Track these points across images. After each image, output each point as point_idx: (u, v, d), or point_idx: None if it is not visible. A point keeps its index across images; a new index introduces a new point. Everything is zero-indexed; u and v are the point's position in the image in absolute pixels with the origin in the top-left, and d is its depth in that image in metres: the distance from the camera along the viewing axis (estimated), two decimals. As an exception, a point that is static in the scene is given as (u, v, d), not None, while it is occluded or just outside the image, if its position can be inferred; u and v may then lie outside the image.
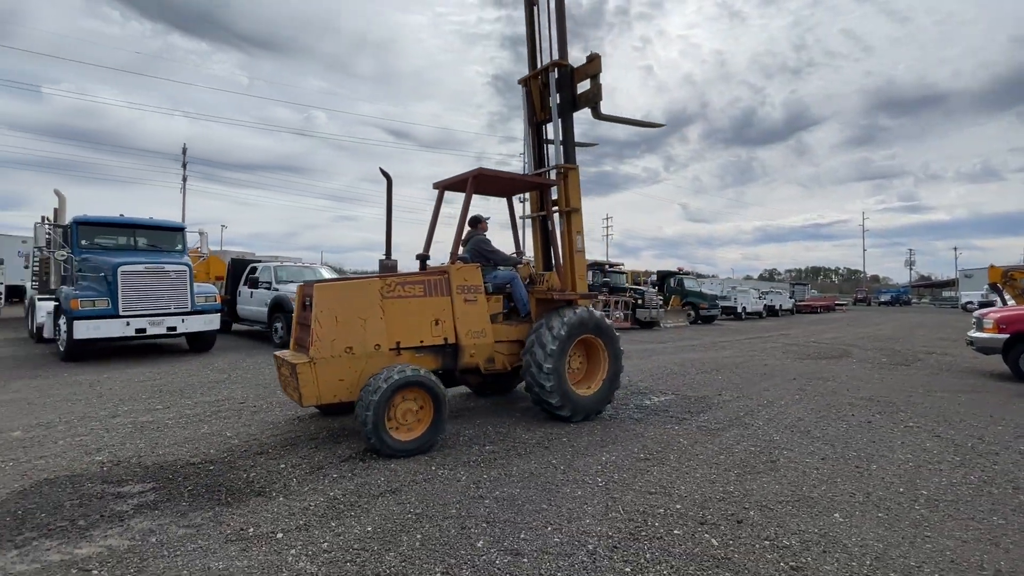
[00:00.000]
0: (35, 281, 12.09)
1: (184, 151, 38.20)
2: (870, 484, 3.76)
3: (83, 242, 9.41)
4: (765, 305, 33.14)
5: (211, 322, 9.56)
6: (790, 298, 39.98)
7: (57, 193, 11.16)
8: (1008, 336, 8.30)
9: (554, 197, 5.96)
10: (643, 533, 2.93)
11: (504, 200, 6.44)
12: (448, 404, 4.41)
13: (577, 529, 2.97)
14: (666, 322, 21.45)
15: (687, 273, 27.26)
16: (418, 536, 2.86)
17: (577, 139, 5.98)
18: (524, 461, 4.12)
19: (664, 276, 26.58)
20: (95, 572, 2.45)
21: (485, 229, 5.80)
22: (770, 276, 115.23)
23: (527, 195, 6.81)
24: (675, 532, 2.95)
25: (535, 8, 5.97)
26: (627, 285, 22.37)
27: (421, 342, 4.70)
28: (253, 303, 12.37)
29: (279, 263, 13.45)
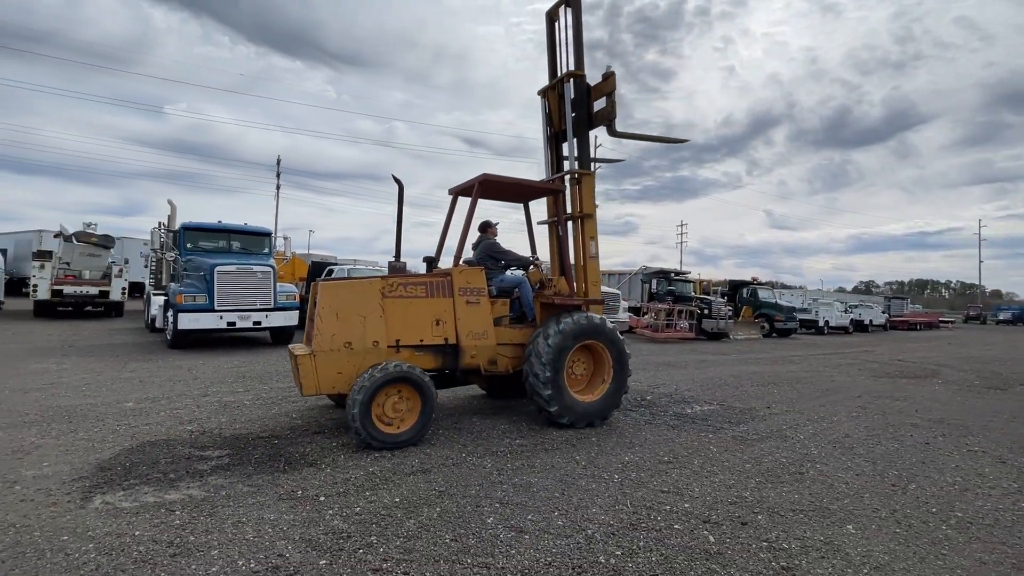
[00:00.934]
0: (151, 278, 13.93)
1: (278, 162, 41.77)
2: (900, 502, 3.66)
3: (188, 245, 10.80)
4: (852, 320, 30.79)
5: (290, 318, 10.60)
6: (883, 313, 36.80)
7: (170, 202, 12.82)
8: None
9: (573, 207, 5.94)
10: (643, 524, 3.11)
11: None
12: (436, 400, 4.55)
13: (581, 516, 3.20)
14: (736, 334, 20.61)
15: (762, 283, 25.94)
16: (437, 509, 3.22)
17: (605, 155, 6.17)
18: (548, 455, 4.37)
19: (736, 286, 25.47)
20: (178, 512, 3.03)
21: (495, 234, 5.87)
22: (867, 289, 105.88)
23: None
24: (675, 527, 3.10)
25: (556, 23, 6.09)
26: (694, 294, 21.73)
27: (421, 341, 4.82)
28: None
29: (353, 265, 14.52)
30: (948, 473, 4.35)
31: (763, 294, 24.42)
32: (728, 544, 2.90)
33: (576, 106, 5.84)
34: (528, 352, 5.11)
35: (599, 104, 5.83)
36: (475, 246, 5.86)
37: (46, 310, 15.36)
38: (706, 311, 19.32)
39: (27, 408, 5.26)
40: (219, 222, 11.49)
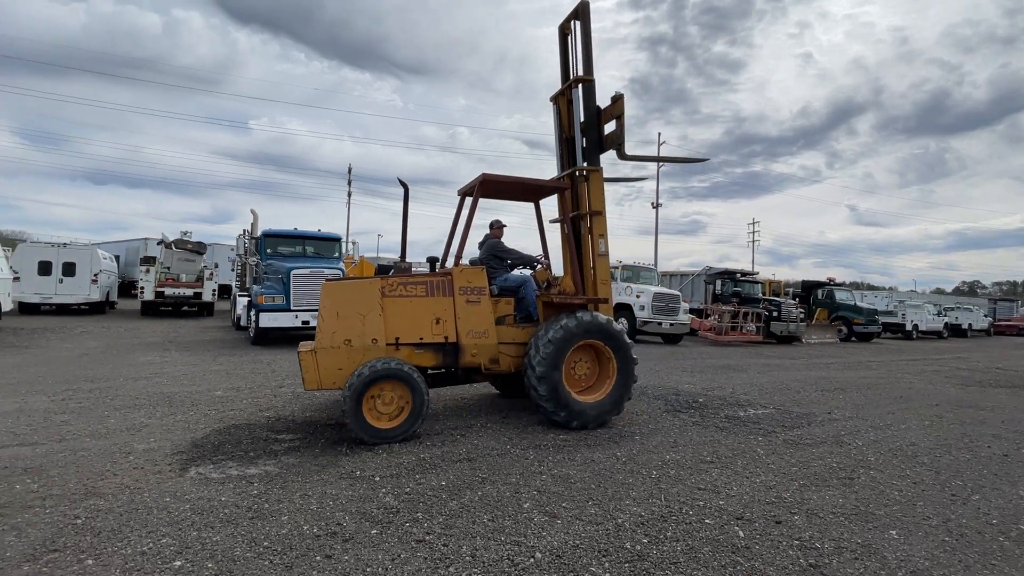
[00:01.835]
0: (237, 281, 15.30)
1: (349, 170, 44.15)
2: (956, 512, 3.50)
3: (268, 250, 11.82)
4: (947, 323, 28.19)
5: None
6: (986, 316, 33.37)
7: (252, 211, 14.07)
8: None
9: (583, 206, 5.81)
10: (673, 517, 3.21)
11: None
12: (428, 397, 4.61)
13: (614, 507, 3.34)
14: (809, 337, 19.52)
15: (839, 283, 24.35)
16: (479, 493, 3.48)
17: (626, 174, 6.16)
18: (590, 451, 4.53)
19: (810, 286, 24.07)
20: (256, 484, 3.49)
21: (501, 234, 5.89)
22: (970, 290, 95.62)
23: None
24: (706, 521, 3.17)
25: (568, 37, 6.09)
26: (762, 296, 20.80)
27: (420, 339, 4.90)
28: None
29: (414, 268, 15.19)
30: (1023, 487, 4.07)
31: (840, 295, 22.93)
32: (757, 540, 2.95)
33: (586, 108, 5.84)
34: (528, 349, 5.13)
35: (609, 127, 5.80)
36: (481, 245, 5.92)
37: (151, 309, 17.24)
38: (775, 313, 18.47)
39: (137, 393, 6.09)
40: (295, 229, 12.47)
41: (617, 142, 5.67)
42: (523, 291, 5.64)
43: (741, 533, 3.03)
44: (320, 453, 4.19)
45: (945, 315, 29.06)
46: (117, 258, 21.77)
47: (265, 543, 2.71)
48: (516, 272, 5.84)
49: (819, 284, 23.72)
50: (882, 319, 23.54)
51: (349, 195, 43.26)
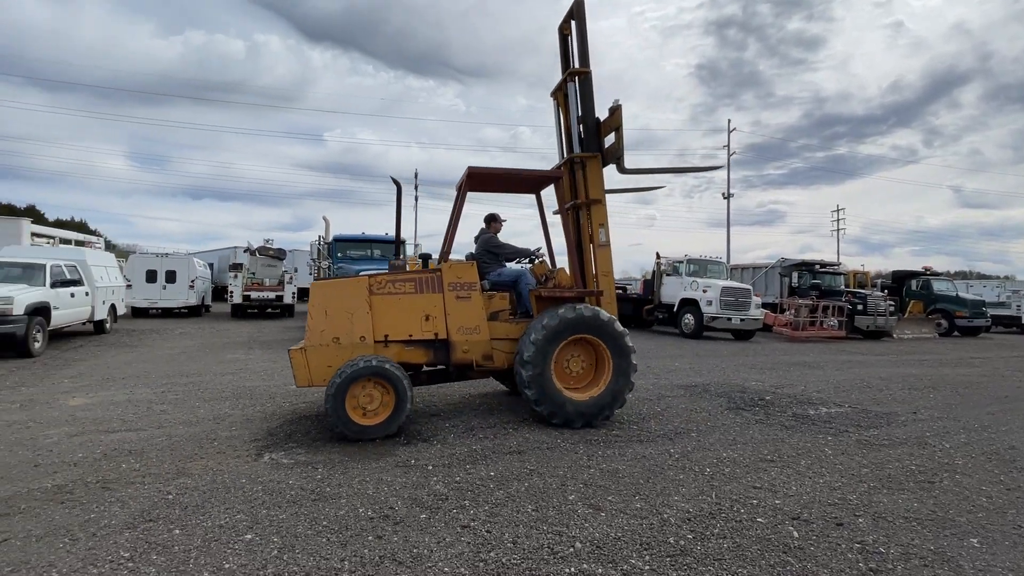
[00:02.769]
0: (314, 284, 16.32)
1: (416, 175, 45.69)
2: (1056, 521, 3.14)
3: (339, 254, 12.55)
4: (1075, 316, 24.75)
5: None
6: None
7: (324, 219, 14.96)
8: None
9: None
10: (723, 514, 3.12)
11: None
12: (412, 395, 4.58)
13: (661, 502, 3.30)
14: (901, 332, 17.93)
15: (936, 273, 22.12)
16: (525, 484, 3.55)
17: (642, 184, 5.93)
18: (642, 447, 4.47)
19: (902, 277, 22.05)
20: (320, 469, 3.77)
21: (498, 229, 5.74)
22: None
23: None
24: (758, 520, 3.06)
25: (568, 37, 5.92)
26: (845, 288, 19.32)
27: (410, 336, 4.88)
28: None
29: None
30: None
31: (939, 286, 20.83)
32: (813, 541, 2.81)
33: (582, 99, 5.65)
34: (518, 347, 5.01)
35: (609, 140, 5.58)
36: (476, 239, 5.84)
37: (239, 312, 18.80)
38: (860, 307, 17.11)
39: (223, 387, 6.70)
40: (362, 233, 13.15)
41: (616, 155, 5.46)
42: (519, 286, 5.50)
43: (795, 533, 2.90)
44: (379, 443, 4.43)
45: (1072, 306, 25.56)
46: (211, 266, 23.93)
47: (324, 522, 2.94)
48: (511, 267, 5.69)
49: (913, 274, 21.66)
50: (992, 311, 21.13)
51: (416, 199, 44.78)
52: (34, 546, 2.61)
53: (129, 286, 16.36)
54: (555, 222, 6.06)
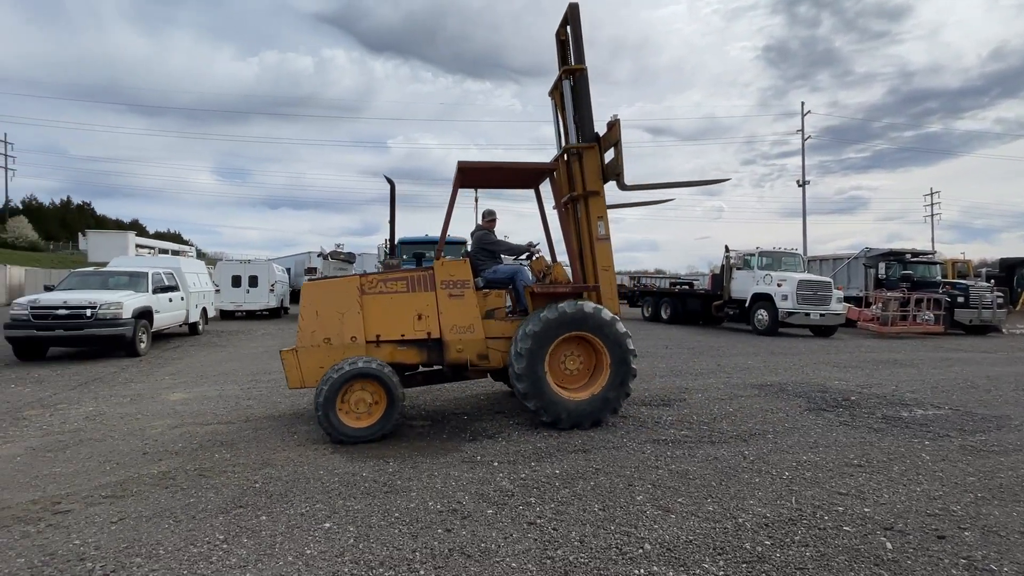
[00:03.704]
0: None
1: (476, 177, 46.55)
2: None
3: (404, 256, 12.96)
4: None
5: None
6: None
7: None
8: None
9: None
10: (804, 521, 2.93)
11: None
12: (401, 398, 4.45)
13: (735, 506, 3.15)
14: (1012, 326, 16.14)
15: (1054, 260, 19.66)
16: (591, 483, 3.51)
17: (653, 198, 5.58)
18: (713, 448, 4.29)
19: (1012, 265, 19.84)
20: (391, 462, 3.91)
21: (492, 226, 5.59)
22: None
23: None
24: (844, 528, 2.85)
25: (566, 43, 5.67)
26: (941, 279, 17.59)
27: (402, 336, 4.78)
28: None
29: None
30: None
31: (1057, 274, 18.51)
32: (909, 554, 2.58)
33: (575, 95, 5.44)
34: (513, 338, 4.82)
35: (609, 155, 5.35)
36: (472, 235, 5.73)
37: (315, 313, 19.93)
38: (961, 299, 15.53)
39: (302, 383, 7.12)
40: (425, 235, 13.52)
41: (616, 171, 5.22)
42: (515, 283, 5.33)
43: (889, 545, 2.67)
44: (447, 439, 4.54)
45: None
46: (288, 270, 25.49)
47: (396, 514, 3.05)
48: (506, 263, 5.51)
49: (1024, 261, 19.42)
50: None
51: (476, 200, 45.54)
52: (144, 526, 2.90)
53: (217, 291, 17.76)
54: (556, 216, 5.87)
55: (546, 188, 5.93)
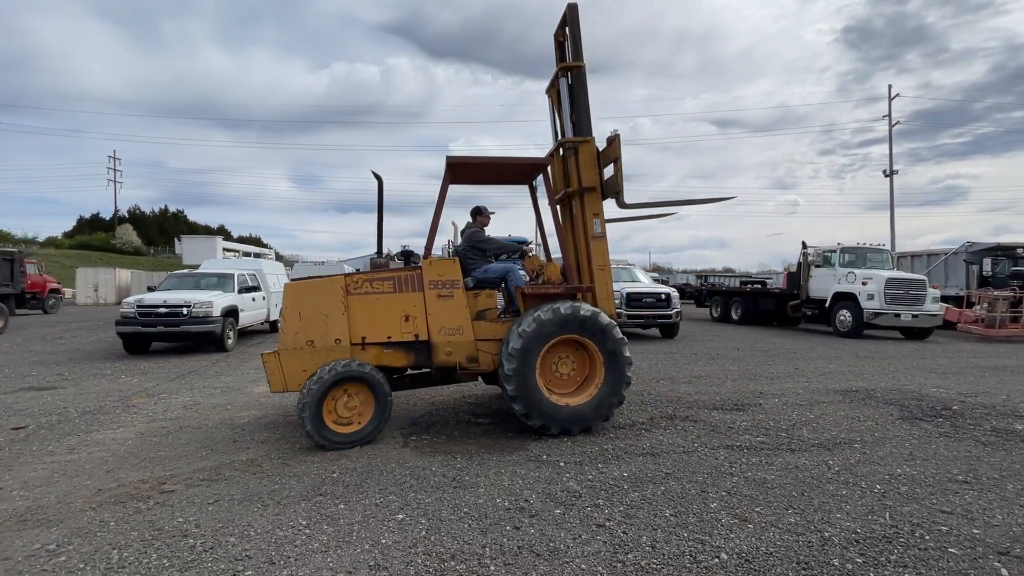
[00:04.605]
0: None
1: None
2: None
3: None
4: None
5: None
6: None
7: (452, 224, 15.87)
8: None
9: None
10: (901, 540, 2.69)
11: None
12: (391, 398, 4.40)
13: (820, 519, 2.95)
14: None
15: None
16: (662, 488, 3.41)
17: (658, 211, 5.42)
18: (793, 456, 4.04)
19: None
20: (459, 458, 3.99)
21: (484, 223, 5.34)
22: None
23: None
24: (950, 551, 2.59)
25: (564, 44, 5.38)
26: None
27: (388, 338, 4.60)
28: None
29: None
30: None
31: None
32: (1030, 583, 2.31)
33: (570, 91, 5.20)
34: (505, 338, 4.61)
35: (608, 172, 5.10)
36: (461, 233, 5.48)
37: (383, 312, 20.73)
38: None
39: (373, 379, 7.42)
40: (509, 236, 13.71)
41: (615, 189, 4.99)
42: (507, 282, 5.13)
43: (1004, 572, 2.40)
44: (512, 437, 4.58)
45: None
46: (358, 270, 26.73)
47: (465, 509, 3.10)
48: (497, 262, 5.32)
49: None
50: None
51: (535, 200, 45.54)
52: (236, 508, 3.13)
53: (295, 291, 18.88)
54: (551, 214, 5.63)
55: (545, 190, 5.65)
